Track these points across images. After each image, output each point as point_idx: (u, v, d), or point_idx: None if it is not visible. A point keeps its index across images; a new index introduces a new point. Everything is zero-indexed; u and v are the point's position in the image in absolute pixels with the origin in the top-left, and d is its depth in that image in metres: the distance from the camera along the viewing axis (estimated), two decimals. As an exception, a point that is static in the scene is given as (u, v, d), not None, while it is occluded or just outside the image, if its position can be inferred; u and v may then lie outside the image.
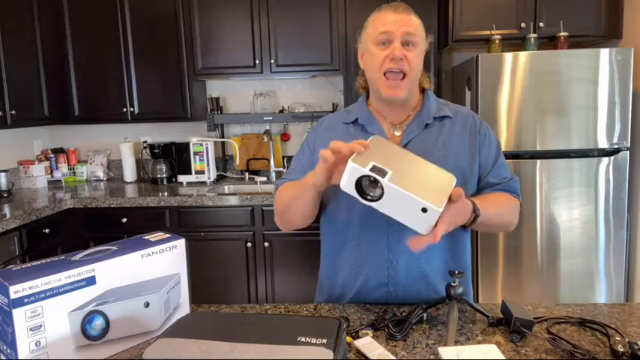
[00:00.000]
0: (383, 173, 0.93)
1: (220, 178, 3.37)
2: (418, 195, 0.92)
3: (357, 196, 0.96)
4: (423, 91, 1.29)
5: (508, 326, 1.00)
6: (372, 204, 0.95)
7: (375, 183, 0.94)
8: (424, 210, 0.91)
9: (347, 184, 0.96)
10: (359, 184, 0.95)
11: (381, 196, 0.94)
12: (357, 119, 1.26)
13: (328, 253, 1.31)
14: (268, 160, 3.37)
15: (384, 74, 1.16)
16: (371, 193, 0.95)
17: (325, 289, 1.31)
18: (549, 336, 0.96)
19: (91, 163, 3.50)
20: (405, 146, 1.19)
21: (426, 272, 1.19)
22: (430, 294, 1.19)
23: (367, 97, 1.31)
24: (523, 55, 2.54)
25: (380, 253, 1.19)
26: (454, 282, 1.03)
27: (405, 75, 1.16)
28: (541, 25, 2.74)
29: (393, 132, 1.24)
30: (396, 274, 1.19)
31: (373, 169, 0.93)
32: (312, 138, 1.31)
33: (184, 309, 1.09)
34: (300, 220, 1.22)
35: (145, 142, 3.41)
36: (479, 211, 1.06)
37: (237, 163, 3.37)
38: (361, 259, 1.21)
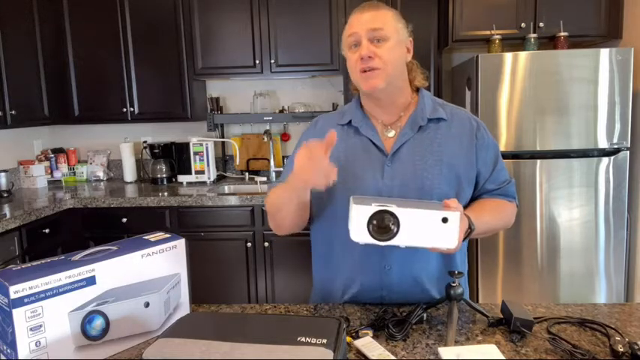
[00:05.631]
0: (389, 206, 0.92)
1: (220, 178, 3.37)
2: (433, 209, 0.91)
3: (372, 241, 0.93)
4: (417, 90, 1.25)
5: (508, 326, 1.00)
6: (391, 242, 0.93)
7: (384, 222, 0.92)
8: (444, 220, 0.91)
9: (358, 231, 0.93)
10: (368, 230, 0.93)
11: (398, 228, 0.92)
12: (350, 121, 1.23)
13: (321, 261, 1.29)
14: (268, 160, 3.37)
15: (360, 73, 1.14)
16: (385, 233, 0.93)
17: (319, 295, 1.30)
18: (549, 336, 0.96)
19: (91, 163, 3.50)
20: (398, 149, 1.17)
21: (421, 278, 1.18)
22: (425, 298, 1.17)
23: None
24: (523, 55, 2.54)
25: (373, 260, 1.17)
26: (454, 282, 1.03)
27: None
28: (541, 25, 2.73)
29: (386, 134, 1.21)
30: (390, 280, 1.17)
31: (379, 205, 0.92)
32: (306, 140, 1.29)
33: (184, 309, 1.09)
34: (291, 225, 1.22)
35: (145, 142, 3.41)
36: (474, 226, 1.06)
37: (237, 163, 3.37)
38: (355, 267, 1.19)
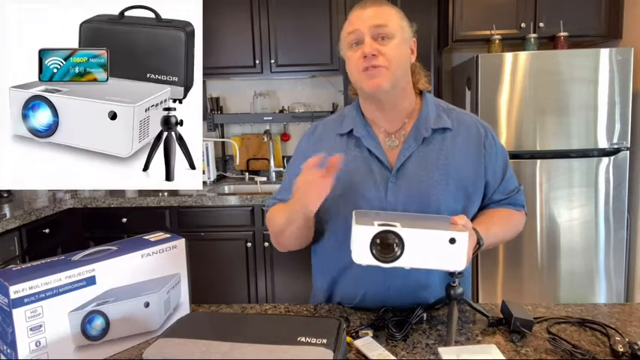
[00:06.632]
0: (393, 226, 0.87)
1: (220, 178, 3.37)
2: (440, 229, 0.87)
3: (375, 262, 0.88)
4: (421, 93, 1.19)
5: (508, 326, 1.00)
6: (395, 264, 0.88)
7: (388, 242, 0.87)
8: (452, 241, 0.86)
9: (360, 253, 0.88)
10: (371, 251, 0.88)
11: (403, 249, 0.87)
12: (351, 130, 1.16)
13: (323, 273, 1.26)
14: (268, 160, 3.37)
15: (362, 72, 1.07)
16: (389, 254, 0.87)
17: (320, 301, 1.28)
18: (549, 336, 0.96)
19: (91, 163, 3.50)
20: (402, 164, 1.11)
21: (424, 289, 1.14)
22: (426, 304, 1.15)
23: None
24: (523, 55, 2.54)
25: (378, 274, 1.11)
26: (454, 282, 1.03)
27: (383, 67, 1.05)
28: (541, 25, 2.73)
29: (389, 144, 1.14)
30: (394, 290, 1.13)
31: (382, 225, 0.87)
32: (304, 149, 1.23)
33: (184, 309, 1.09)
34: (295, 244, 1.18)
35: (145, 142, 3.40)
36: (482, 241, 1.02)
37: (237, 163, 3.36)
38: (358, 281, 1.15)
